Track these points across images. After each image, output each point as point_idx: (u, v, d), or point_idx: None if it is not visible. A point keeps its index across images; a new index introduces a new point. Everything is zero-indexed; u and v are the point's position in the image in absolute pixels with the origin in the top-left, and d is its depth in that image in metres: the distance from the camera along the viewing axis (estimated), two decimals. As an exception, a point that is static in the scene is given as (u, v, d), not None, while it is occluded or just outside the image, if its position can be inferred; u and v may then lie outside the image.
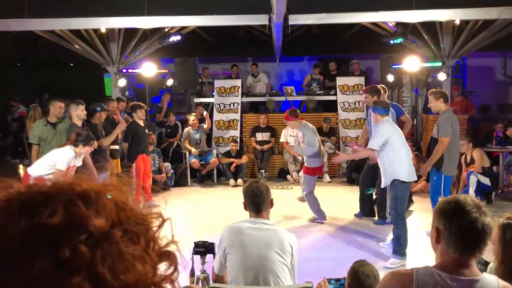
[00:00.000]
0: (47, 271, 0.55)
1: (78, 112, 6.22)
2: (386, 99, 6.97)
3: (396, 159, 5.37)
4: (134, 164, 7.50)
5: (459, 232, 1.81)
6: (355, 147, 6.56)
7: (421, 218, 6.88)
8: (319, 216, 6.96)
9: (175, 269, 0.66)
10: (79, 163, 5.57)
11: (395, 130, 5.49)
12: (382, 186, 5.64)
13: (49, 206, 0.58)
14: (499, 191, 8.38)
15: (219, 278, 3.12)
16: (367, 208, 7.14)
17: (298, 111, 7.42)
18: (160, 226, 0.68)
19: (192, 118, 9.72)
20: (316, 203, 6.92)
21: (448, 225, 1.82)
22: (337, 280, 2.91)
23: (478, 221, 1.79)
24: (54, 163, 5.38)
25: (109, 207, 0.62)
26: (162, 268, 0.66)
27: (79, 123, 6.28)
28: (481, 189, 7.62)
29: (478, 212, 1.81)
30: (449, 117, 6.00)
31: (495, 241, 2.32)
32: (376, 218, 6.98)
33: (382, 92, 6.77)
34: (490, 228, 1.82)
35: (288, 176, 9.80)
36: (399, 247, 5.29)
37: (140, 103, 8.00)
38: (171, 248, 0.67)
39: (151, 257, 0.63)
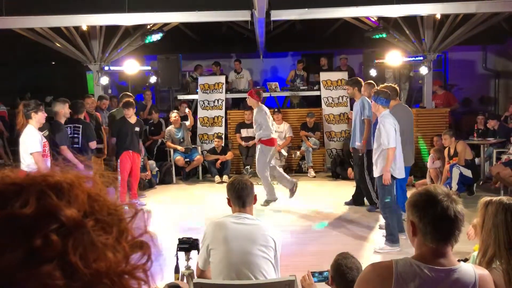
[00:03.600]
0: (20, 260, 0.56)
1: (65, 110, 6.42)
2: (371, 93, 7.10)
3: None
4: (118, 161, 7.46)
5: (433, 222, 1.84)
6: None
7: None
8: (272, 196, 7.31)
9: (149, 258, 0.68)
10: (43, 138, 5.64)
11: (395, 124, 5.50)
12: (376, 175, 5.70)
13: (22, 197, 0.60)
14: (481, 182, 8.51)
15: (203, 274, 3.13)
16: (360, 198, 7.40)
17: (262, 93, 7.59)
18: (133, 217, 0.69)
19: (174, 115, 9.68)
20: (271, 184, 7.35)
21: (422, 217, 1.86)
22: (321, 273, 2.93)
23: (450, 209, 1.83)
24: (27, 149, 5.39)
25: (82, 197, 0.63)
26: (137, 259, 0.67)
27: (63, 121, 6.47)
28: (463, 181, 7.74)
29: (449, 200, 1.85)
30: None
31: (478, 221, 2.37)
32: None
33: (373, 85, 6.97)
34: (462, 214, 1.86)
35: (274, 172, 9.83)
36: (389, 235, 5.47)
37: (131, 101, 7.86)
38: (145, 238, 0.69)
39: (123, 247, 0.64)
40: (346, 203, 7.46)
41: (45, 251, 0.57)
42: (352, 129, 7.33)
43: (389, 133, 5.36)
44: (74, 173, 0.67)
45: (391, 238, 5.44)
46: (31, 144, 5.38)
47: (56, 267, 0.57)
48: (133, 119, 7.65)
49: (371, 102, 5.68)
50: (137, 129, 7.69)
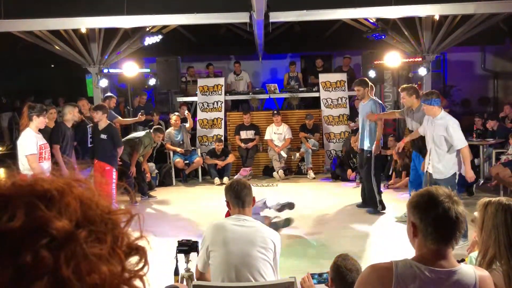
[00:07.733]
0: (8, 279, 0.53)
1: (74, 114, 6.50)
2: (372, 95, 7.13)
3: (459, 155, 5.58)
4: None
5: (434, 223, 1.83)
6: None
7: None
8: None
9: (145, 263, 0.65)
10: (42, 140, 5.67)
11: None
12: (440, 177, 5.68)
13: (8, 210, 0.56)
14: (480, 183, 8.51)
15: (202, 276, 3.12)
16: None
17: None
18: (128, 221, 0.66)
19: (174, 118, 9.68)
20: None
21: (423, 218, 1.85)
22: (320, 274, 2.92)
23: (451, 210, 1.82)
24: (23, 151, 5.44)
25: (74, 206, 0.60)
26: (134, 263, 0.65)
27: (69, 124, 6.49)
28: (462, 182, 7.71)
29: (450, 201, 1.84)
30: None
31: (478, 222, 2.36)
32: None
33: (372, 86, 7.04)
34: (463, 216, 1.86)
35: (274, 173, 9.83)
36: None
37: (101, 104, 7.46)
38: (141, 242, 0.66)
39: (118, 254, 0.62)
40: (358, 206, 7.34)
41: (35, 268, 0.54)
42: (360, 130, 7.23)
43: (458, 133, 5.50)
44: (65, 178, 0.63)
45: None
46: (27, 146, 5.45)
47: (47, 284, 0.54)
48: (102, 125, 6.90)
49: (425, 106, 5.64)
50: (103, 136, 6.86)
